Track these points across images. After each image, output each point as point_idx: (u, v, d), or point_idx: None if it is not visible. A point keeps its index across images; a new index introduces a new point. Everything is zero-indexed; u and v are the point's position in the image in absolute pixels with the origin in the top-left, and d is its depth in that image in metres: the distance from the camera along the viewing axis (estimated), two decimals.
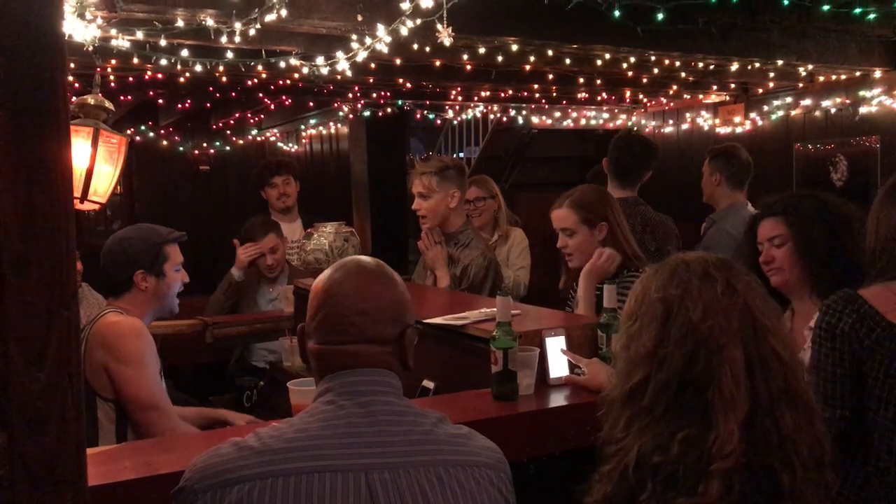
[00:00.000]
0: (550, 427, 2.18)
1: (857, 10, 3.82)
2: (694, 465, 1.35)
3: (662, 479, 1.36)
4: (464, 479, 1.37)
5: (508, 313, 2.20)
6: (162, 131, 8.67)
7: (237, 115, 8.20)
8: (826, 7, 3.75)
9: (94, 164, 2.12)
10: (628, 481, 1.39)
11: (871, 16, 3.90)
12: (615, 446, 1.44)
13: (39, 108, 0.99)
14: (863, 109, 5.54)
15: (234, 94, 6.01)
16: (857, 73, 5.33)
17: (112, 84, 5.04)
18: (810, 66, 4.94)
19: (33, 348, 0.99)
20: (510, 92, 6.03)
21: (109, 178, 2.27)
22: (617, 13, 3.37)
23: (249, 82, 5.28)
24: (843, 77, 5.50)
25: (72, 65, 4.25)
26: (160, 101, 6.79)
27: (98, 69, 4.26)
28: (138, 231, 2.67)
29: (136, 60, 3.71)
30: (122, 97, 5.85)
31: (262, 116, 8.64)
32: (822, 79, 5.59)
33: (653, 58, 4.45)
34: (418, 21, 3.12)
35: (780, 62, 4.61)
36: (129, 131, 8.38)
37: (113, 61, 4.03)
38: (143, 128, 8.43)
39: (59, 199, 1.01)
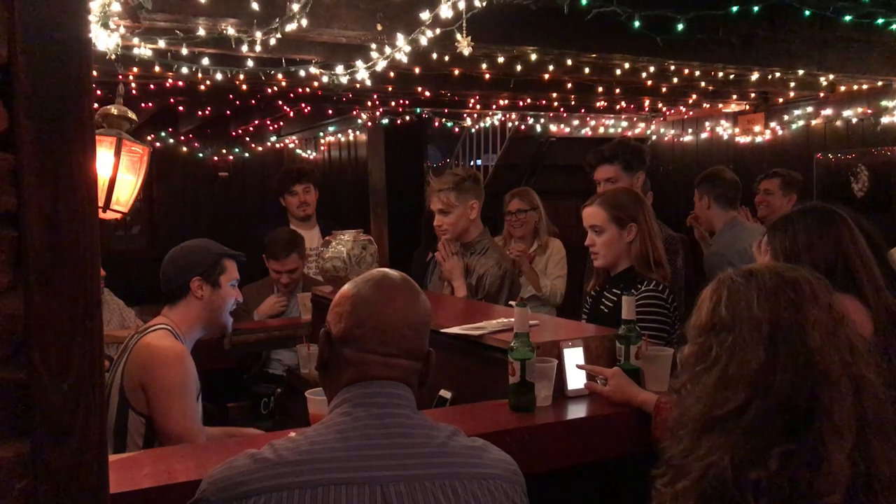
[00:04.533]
0: (569, 439, 2.17)
1: (880, 21, 3.80)
2: (805, 491, 1.28)
3: (768, 499, 1.28)
4: (479, 491, 1.36)
5: (526, 324, 2.19)
6: (182, 138, 8.74)
7: (256, 122, 8.26)
8: (848, 17, 3.73)
9: (117, 174, 2.13)
10: (717, 499, 1.31)
11: (894, 25, 3.87)
12: (696, 464, 1.35)
13: (65, 120, 1.00)
14: (884, 119, 5.50)
15: (253, 101, 6.05)
16: (879, 83, 5.29)
17: (133, 91, 5.09)
18: (831, 76, 4.91)
19: (57, 358, 0.99)
20: (528, 100, 6.04)
21: (132, 187, 2.29)
22: (637, 24, 3.36)
23: (269, 90, 5.31)
24: (864, 87, 5.47)
25: (94, 73, 4.30)
26: (180, 108, 6.85)
27: (120, 77, 4.31)
28: (200, 241, 2.72)
29: (157, 68, 3.75)
30: (143, 104, 5.90)
31: (282, 123, 8.69)
32: (843, 88, 5.56)
33: (672, 67, 4.44)
34: (438, 31, 3.13)
35: (800, 72, 4.58)
36: (149, 138, 8.44)
37: (135, 69, 4.08)
38: (163, 134, 8.50)
39: (83, 209, 1.01)
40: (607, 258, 2.92)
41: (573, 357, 2.34)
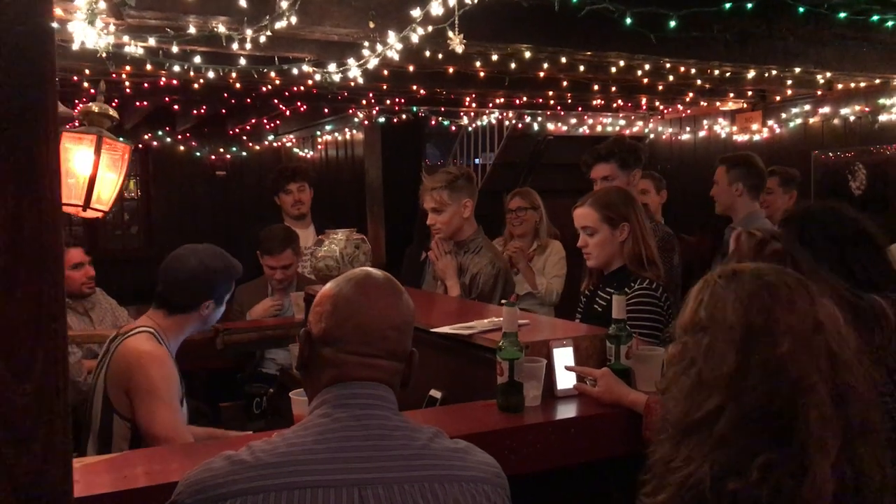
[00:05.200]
0: (557, 440, 2.15)
1: (875, 17, 3.77)
2: (776, 493, 1.25)
3: None
4: (459, 494, 1.34)
5: (515, 324, 2.17)
6: (179, 136, 8.72)
7: (253, 120, 8.24)
8: (843, 14, 3.70)
9: (97, 172, 2.11)
10: None
11: (890, 23, 3.84)
12: (675, 475, 1.33)
13: (28, 115, 0.98)
14: (882, 117, 5.48)
15: (249, 100, 6.03)
16: (877, 81, 5.26)
17: (127, 90, 5.07)
18: (828, 74, 4.89)
19: (20, 361, 0.97)
20: (524, 98, 6.01)
21: (113, 185, 2.26)
22: (628, 20, 3.34)
23: (264, 89, 5.29)
24: (862, 85, 5.44)
25: (87, 71, 4.29)
26: (175, 106, 6.83)
27: (113, 74, 4.29)
28: (222, 262, 2.62)
29: (149, 67, 3.73)
30: (137, 103, 5.88)
31: (278, 122, 8.67)
32: (840, 86, 5.53)
33: (668, 65, 4.42)
34: (430, 28, 3.10)
35: (797, 69, 4.56)
36: (146, 136, 8.44)
37: (127, 67, 4.06)
38: (160, 133, 8.48)
39: (47, 208, 0.99)
40: (600, 259, 2.91)
41: (563, 357, 2.32)
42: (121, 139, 2.42)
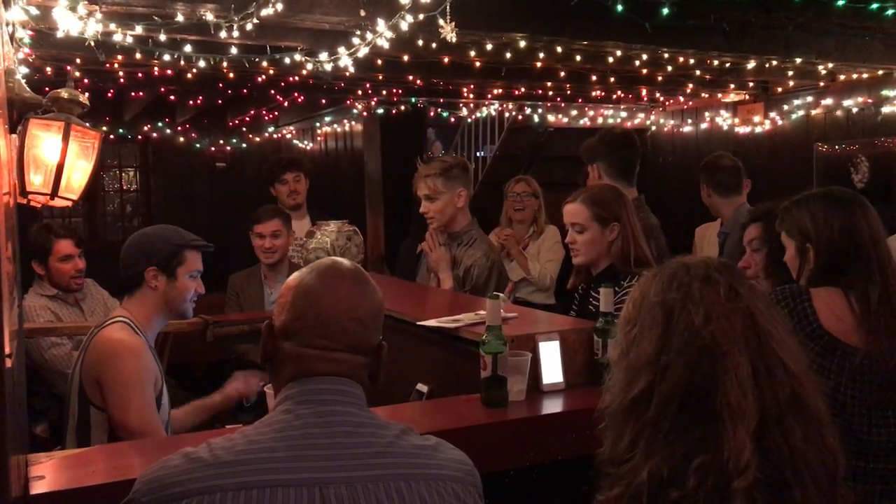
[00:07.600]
0: (541, 436, 2.11)
1: (875, 6, 3.69)
2: (713, 491, 1.26)
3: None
4: (426, 493, 1.30)
5: (499, 317, 2.13)
6: (178, 128, 8.68)
7: (252, 112, 8.19)
8: (841, 2, 3.63)
9: (66, 160, 2.08)
10: None
11: (890, 11, 3.76)
12: (623, 467, 1.34)
13: None
14: (885, 109, 5.41)
15: (245, 90, 5.98)
16: (880, 72, 5.19)
17: (121, 80, 5.03)
18: (831, 65, 4.82)
19: None
20: (523, 90, 5.95)
21: (83, 173, 2.23)
22: (619, 7, 3.27)
23: (259, 79, 5.24)
24: (864, 76, 5.37)
25: (78, 60, 4.24)
26: (172, 97, 6.78)
27: (106, 65, 4.24)
28: (160, 230, 2.66)
29: (138, 56, 3.68)
30: (133, 93, 5.84)
31: (277, 114, 8.62)
32: (843, 77, 5.45)
33: (666, 55, 4.35)
34: (420, 16, 3.05)
35: (798, 60, 4.49)
36: (145, 128, 8.40)
37: (119, 57, 4.01)
38: (159, 124, 8.44)
39: None
40: (588, 256, 2.87)
41: (549, 351, 2.28)
42: (103, 129, 2.38)
